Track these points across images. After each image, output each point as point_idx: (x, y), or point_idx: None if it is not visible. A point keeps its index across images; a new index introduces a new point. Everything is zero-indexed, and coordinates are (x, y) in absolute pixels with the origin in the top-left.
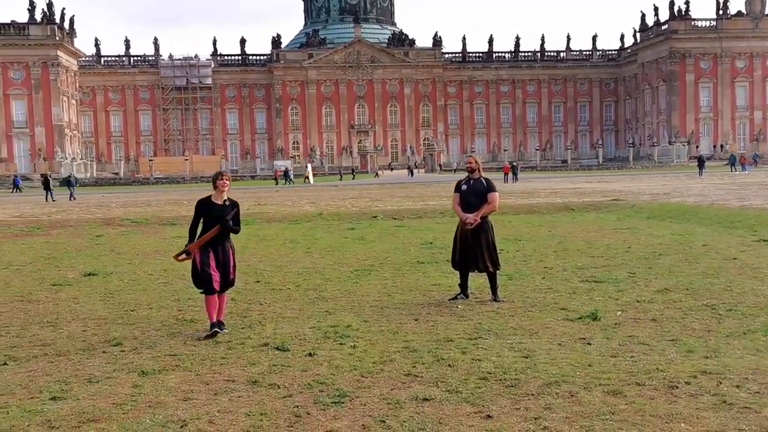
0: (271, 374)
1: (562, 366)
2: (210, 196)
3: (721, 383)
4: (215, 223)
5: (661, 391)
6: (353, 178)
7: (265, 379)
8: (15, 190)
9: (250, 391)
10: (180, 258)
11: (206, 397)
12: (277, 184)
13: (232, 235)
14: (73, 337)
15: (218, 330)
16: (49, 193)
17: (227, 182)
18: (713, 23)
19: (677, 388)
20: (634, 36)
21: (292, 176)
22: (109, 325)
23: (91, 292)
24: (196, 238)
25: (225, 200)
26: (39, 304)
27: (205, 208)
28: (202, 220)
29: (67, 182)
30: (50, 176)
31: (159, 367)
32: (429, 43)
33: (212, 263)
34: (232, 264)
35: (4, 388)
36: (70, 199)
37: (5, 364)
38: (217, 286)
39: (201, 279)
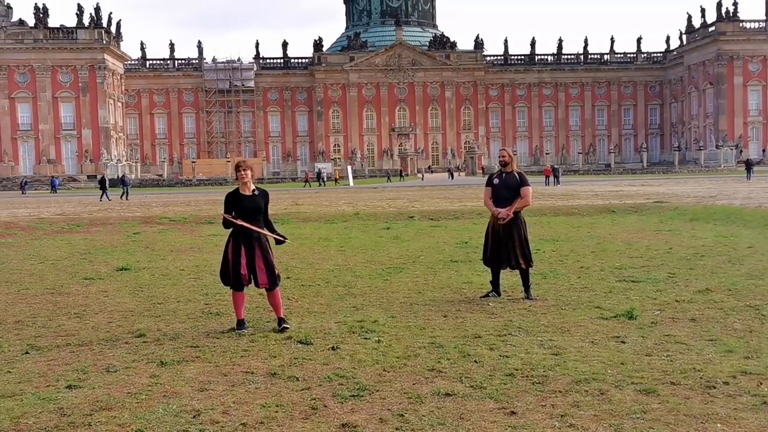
0: (291, 367)
1: (593, 364)
2: (237, 188)
3: (761, 384)
4: (248, 215)
5: (698, 390)
6: (402, 180)
7: (285, 371)
8: (52, 190)
9: (269, 383)
10: (227, 217)
11: (223, 388)
12: (305, 186)
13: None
14: (98, 329)
15: (243, 330)
16: (104, 192)
17: (243, 173)
18: (762, 24)
19: (715, 388)
20: (680, 38)
21: (325, 178)
22: (135, 317)
23: (122, 286)
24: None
25: (253, 190)
26: (69, 296)
27: (234, 201)
28: (234, 213)
29: (122, 182)
30: (107, 176)
31: (179, 358)
32: (471, 46)
33: (243, 261)
34: (272, 257)
35: (22, 376)
36: (122, 198)
37: (27, 353)
38: (246, 282)
39: (230, 276)
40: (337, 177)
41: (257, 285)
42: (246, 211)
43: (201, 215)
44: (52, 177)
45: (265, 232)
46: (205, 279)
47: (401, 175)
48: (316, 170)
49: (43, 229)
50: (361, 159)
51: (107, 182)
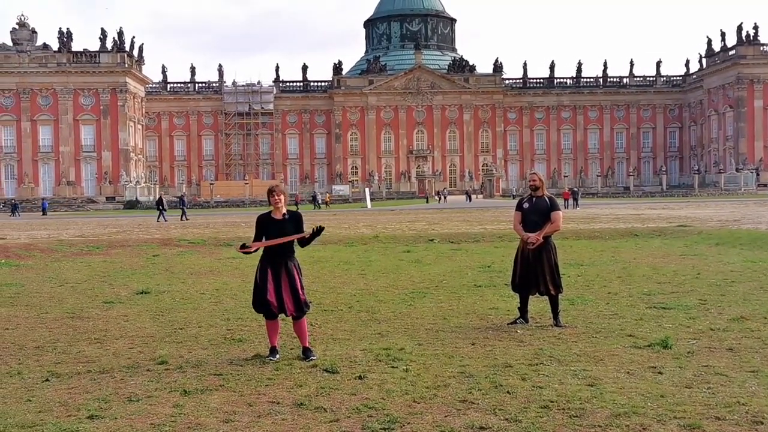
0: (318, 397)
1: (631, 396)
2: (270, 211)
3: None
4: (274, 239)
5: (745, 426)
6: (441, 201)
7: (312, 402)
8: (43, 213)
9: (295, 414)
10: (241, 249)
11: (248, 419)
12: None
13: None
14: (119, 355)
15: (273, 358)
16: (161, 213)
17: (277, 197)
18: None
19: (762, 423)
20: (700, 61)
21: (320, 201)
22: (156, 343)
23: (142, 310)
24: (261, 253)
25: (284, 214)
26: (89, 321)
27: (263, 223)
28: (264, 238)
29: (180, 202)
30: (163, 197)
31: (202, 386)
32: (489, 70)
33: (270, 288)
34: (298, 283)
35: (42, 405)
36: (181, 219)
37: (47, 380)
38: (274, 309)
39: (260, 304)
40: (328, 200)
41: (286, 314)
42: (273, 235)
43: (220, 237)
44: (42, 200)
45: (287, 238)
46: (225, 303)
47: (439, 195)
48: (311, 194)
49: (62, 251)
50: (379, 181)
51: (165, 203)
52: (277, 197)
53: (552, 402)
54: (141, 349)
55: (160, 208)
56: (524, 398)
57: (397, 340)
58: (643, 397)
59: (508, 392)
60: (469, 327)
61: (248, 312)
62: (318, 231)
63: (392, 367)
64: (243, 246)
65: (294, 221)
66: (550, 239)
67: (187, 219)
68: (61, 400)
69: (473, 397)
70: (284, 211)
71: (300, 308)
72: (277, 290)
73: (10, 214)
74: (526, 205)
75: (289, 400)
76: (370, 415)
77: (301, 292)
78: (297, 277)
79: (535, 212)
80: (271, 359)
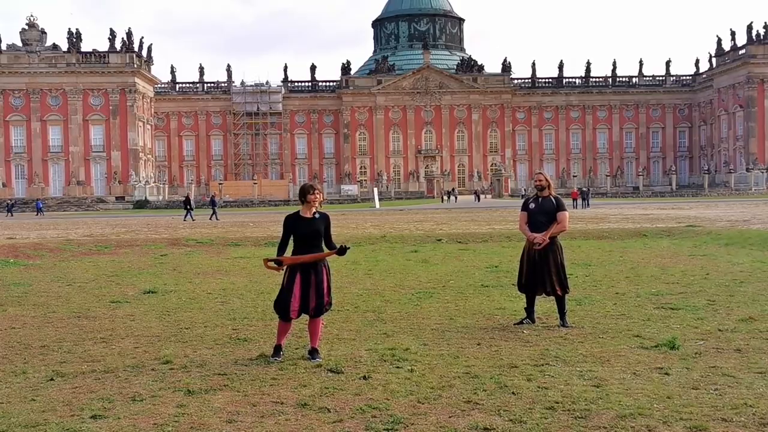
0: (322, 397)
1: (637, 397)
2: (298, 211)
3: None
4: (305, 239)
5: (751, 428)
6: (450, 200)
7: (316, 402)
8: (38, 213)
9: (299, 415)
10: (269, 264)
11: (252, 419)
12: None
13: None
14: (124, 354)
15: (278, 358)
16: (189, 212)
17: (318, 196)
18: None
19: None
20: (710, 61)
21: None
22: (161, 343)
23: (148, 310)
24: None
25: (314, 213)
26: (95, 320)
27: (293, 223)
28: (292, 237)
29: (211, 202)
30: (191, 196)
31: (206, 386)
32: (498, 69)
33: (296, 291)
34: (326, 285)
35: (46, 405)
36: (211, 219)
37: (52, 379)
38: (294, 315)
39: (281, 306)
40: (321, 200)
41: (307, 313)
42: (303, 234)
43: (228, 237)
44: (37, 200)
45: (315, 255)
46: (232, 303)
47: (450, 194)
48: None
49: (70, 251)
50: (387, 181)
51: (192, 202)
52: (317, 195)
53: (557, 403)
54: (146, 348)
55: (188, 207)
56: (529, 399)
57: (403, 340)
58: (650, 398)
59: (513, 393)
60: (475, 327)
61: (254, 312)
62: (343, 250)
63: (397, 367)
64: (277, 262)
65: (324, 220)
66: (557, 239)
67: (216, 219)
68: (65, 400)
69: (478, 397)
70: (314, 210)
71: (320, 308)
72: (303, 293)
73: (6, 214)
74: (532, 206)
75: (293, 400)
76: (373, 416)
77: (326, 293)
78: (325, 279)
79: (541, 213)
80: (275, 359)
